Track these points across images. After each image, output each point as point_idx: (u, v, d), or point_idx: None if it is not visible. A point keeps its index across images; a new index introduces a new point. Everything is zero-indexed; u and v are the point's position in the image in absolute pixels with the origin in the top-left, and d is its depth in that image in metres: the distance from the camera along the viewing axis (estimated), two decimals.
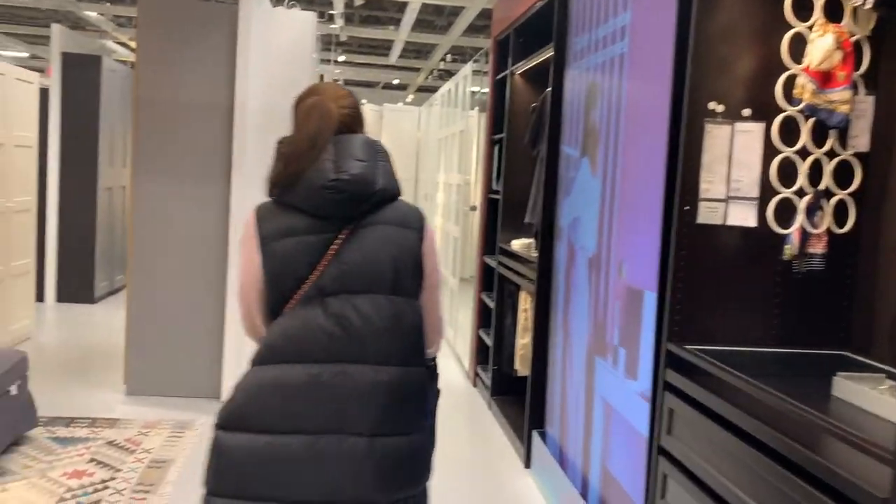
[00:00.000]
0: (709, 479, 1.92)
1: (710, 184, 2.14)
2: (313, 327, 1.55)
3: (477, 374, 4.91)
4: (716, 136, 2.13)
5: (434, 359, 1.77)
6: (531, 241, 4.09)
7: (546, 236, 3.47)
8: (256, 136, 4.22)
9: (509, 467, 3.63)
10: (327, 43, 9.79)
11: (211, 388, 4.27)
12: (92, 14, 9.34)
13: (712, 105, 2.12)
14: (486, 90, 5.05)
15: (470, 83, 5.59)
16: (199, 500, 1.59)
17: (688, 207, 2.14)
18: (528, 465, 3.59)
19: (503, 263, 4.32)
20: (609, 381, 2.61)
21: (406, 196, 1.70)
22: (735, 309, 2.17)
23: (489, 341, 4.56)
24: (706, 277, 2.16)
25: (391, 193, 1.65)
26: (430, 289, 1.70)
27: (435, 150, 7.72)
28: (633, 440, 2.39)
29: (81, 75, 6.45)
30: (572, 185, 3.16)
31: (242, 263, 1.66)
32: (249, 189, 4.22)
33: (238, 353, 4.25)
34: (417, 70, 11.24)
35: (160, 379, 4.24)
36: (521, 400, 4.20)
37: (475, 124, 5.97)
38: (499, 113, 4.78)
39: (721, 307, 2.17)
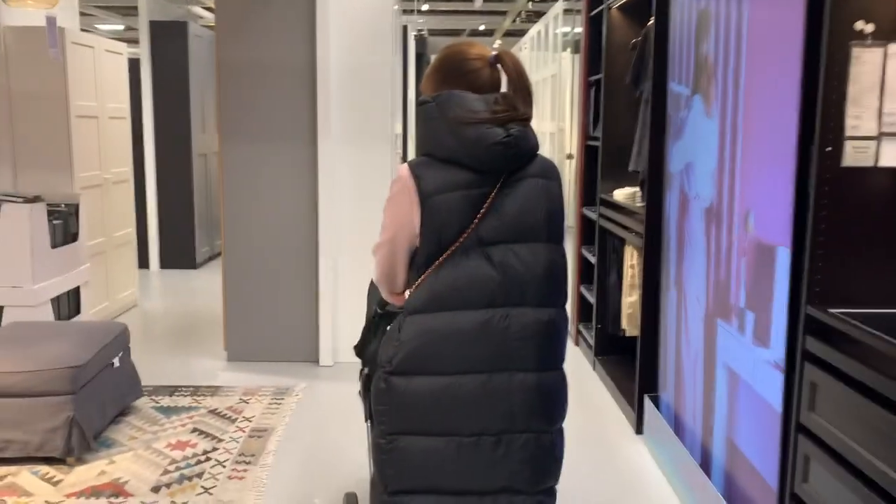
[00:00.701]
0: (862, 464, 1.65)
1: (859, 119, 1.81)
2: (480, 275, 1.67)
3: (579, 333, 4.68)
4: (864, 62, 1.79)
5: None
6: (636, 190, 3.79)
7: (653, 185, 3.17)
8: (340, 94, 4.07)
9: (619, 433, 3.42)
10: None
11: (308, 352, 4.23)
12: None
13: (860, 25, 1.78)
14: (579, 29, 4.70)
15: (561, 23, 5.23)
16: (372, 442, 1.78)
17: (830, 148, 1.82)
18: (639, 430, 3.36)
19: (605, 215, 4.04)
20: (734, 348, 2.34)
21: (537, 144, 1.77)
22: (888, 266, 1.85)
23: (591, 298, 4.31)
24: (853, 230, 1.85)
25: (536, 149, 1.75)
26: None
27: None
28: (764, 414, 2.12)
29: (169, 43, 6.47)
30: (683, 126, 2.84)
31: (393, 220, 1.73)
32: (337, 148, 4.09)
33: (333, 315, 4.18)
34: (503, 13, 10.82)
35: (259, 344, 4.24)
36: (627, 361, 3.96)
37: (568, 67, 5.61)
38: (595, 52, 4.43)
39: (871, 264, 1.86)
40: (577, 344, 4.74)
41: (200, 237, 6.86)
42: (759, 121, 2.16)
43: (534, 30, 6.63)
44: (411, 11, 10.13)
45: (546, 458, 1.75)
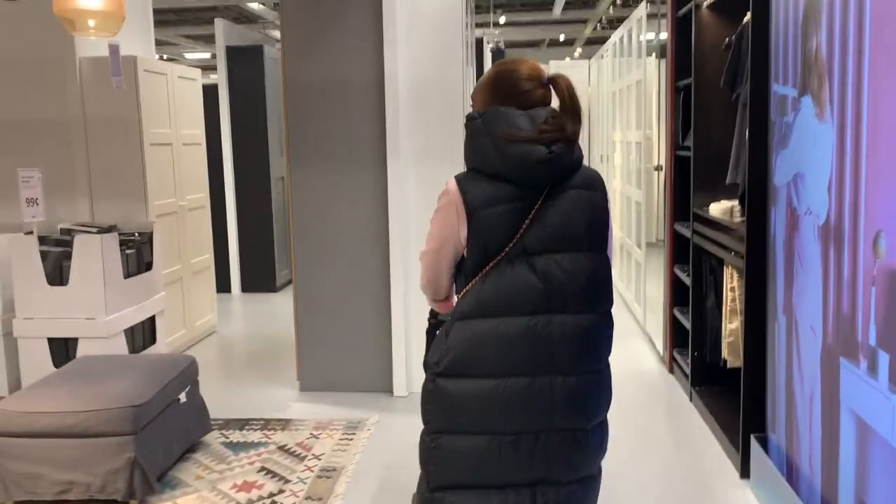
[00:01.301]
0: None
1: None
2: (524, 284, 1.74)
3: (673, 360, 4.31)
4: None
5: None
6: (733, 204, 3.43)
7: (755, 199, 2.82)
8: (410, 113, 3.88)
9: (721, 475, 3.05)
10: (485, 5, 9.32)
11: (382, 382, 4.04)
12: (254, 5, 9.52)
13: None
14: (664, 35, 4.37)
15: (644, 27, 4.90)
16: (419, 440, 1.86)
17: None
18: (744, 474, 2.99)
19: (699, 232, 3.69)
20: (862, 392, 1.98)
21: (582, 157, 1.83)
22: None
23: (687, 323, 3.95)
24: None
25: (580, 160, 1.81)
26: (610, 240, 1.88)
27: (608, 105, 7.04)
28: None
29: (246, 67, 6.49)
30: (790, 132, 2.49)
31: (439, 231, 1.83)
32: (407, 168, 3.91)
33: (406, 344, 3.98)
34: (584, 22, 10.48)
35: (331, 374, 4.08)
36: (728, 392, 3.59)
37: (654, 72, 5.26)
38: (683, 55, 4.10)
39: None
40: (671, 371, 4.37)
41: (280, 260, 6.83)
42: (890, 125, 1.81)
43: (615, 36, 6.30)
44: (487, 24, 9.94)
45: (581, 451, 1.83)
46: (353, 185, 3.91)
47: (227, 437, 3.47)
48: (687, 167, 4.15)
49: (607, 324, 1.85)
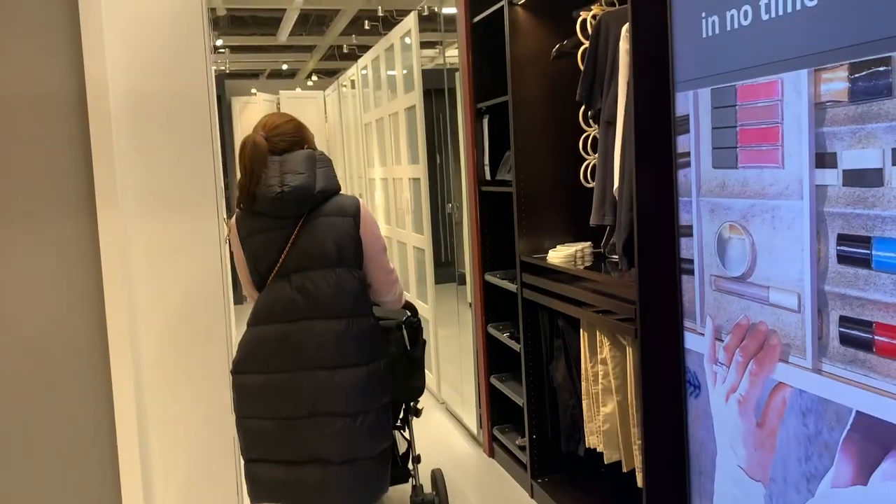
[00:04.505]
0: None
1: None
2: (282, 297, 2.14)
3: (494, 439, 3.52)
4: None
5: (414, 313, 2.50)
6: (579, 248, 2.74)
7: (645, 243, 2.12)
8: (130, 139, 2.63)
9: None
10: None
11: None
12: None
13: None
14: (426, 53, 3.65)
15: (417, 38, 4.14)
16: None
17: None
18: None
19: (532, 285, 2.94)
20: None
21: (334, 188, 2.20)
22: None
23: (517, 398, 3.18)
24: None
25: (331, 191, 2.19)
26: (374, 255, 2.23)
27: (360, 139, 6.21)
28: None
29: None
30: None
31: (236, 257, 2.30)
32: (133, 220, 2.64)
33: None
34: (310, 49, 9.61)
35: None
36: (587, 486, 2.89)
37: (418, 99, 4.46)
38: (484, 70, 3.38)
39: None
40: (491, 455, 3.56)
41: None
42: None
43: (366, 59, 5.52)
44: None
45: (348, 436, 2.11)
46: (34, 244, 2.52)
47: None
48: (498, 206, 3.42)
49: (360, 327, 2.15)
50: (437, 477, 2.82)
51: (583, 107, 2.65)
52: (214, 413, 2.76)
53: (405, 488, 2.74)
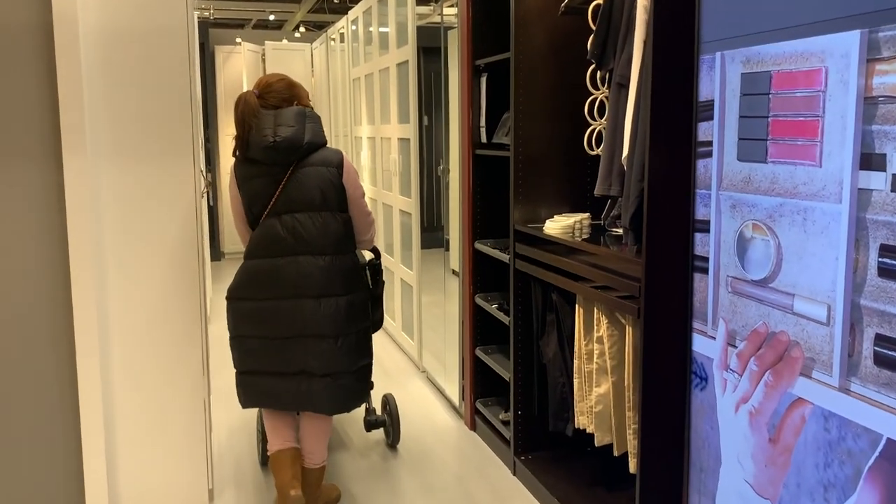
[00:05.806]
0: None
1: None
2: (274, 234, 2.43)
3: (477, 413, 3.40)
4: None
5: (378, 256, 2.85)
6: (578, 219, 2.59)
7: (655, 216, 1.97)
8: (101, 81, 2.43)
9: None
10: None
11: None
12: None
13: None
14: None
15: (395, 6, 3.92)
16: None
17: None
18: None
19: (526, 256, 2.80)
20: None
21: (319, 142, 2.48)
22: None
23: (503, 372, 3.06)
24: None
25: (318, 144, 2.49)
26: (355, 200, 2.55)
27: (347, 95, 5.98)
28: None
29: None
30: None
31: (231, 198, 2.54)
32: (100, 167, 2.45)
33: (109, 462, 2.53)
34: (298, 1, 9.28)
35: None
36: (573, 464, 2.79)
37: (411, 54, 4.26)
38: (484, 25, 3.19)
39: None
40: (472, 428, 3.45)
41: None
42: None
43: (358, 10, 5.28)
44: None
45: (332, 354, 2.45)
46: None
47: None
48: (492, 170, 3.26)
49: (342, 262, 2.48)
50: (388, 400, 3.24)
51: (591, 66, 2.48)
52: (186, 369, 2.63)
53: (359, 410, 2.97)
